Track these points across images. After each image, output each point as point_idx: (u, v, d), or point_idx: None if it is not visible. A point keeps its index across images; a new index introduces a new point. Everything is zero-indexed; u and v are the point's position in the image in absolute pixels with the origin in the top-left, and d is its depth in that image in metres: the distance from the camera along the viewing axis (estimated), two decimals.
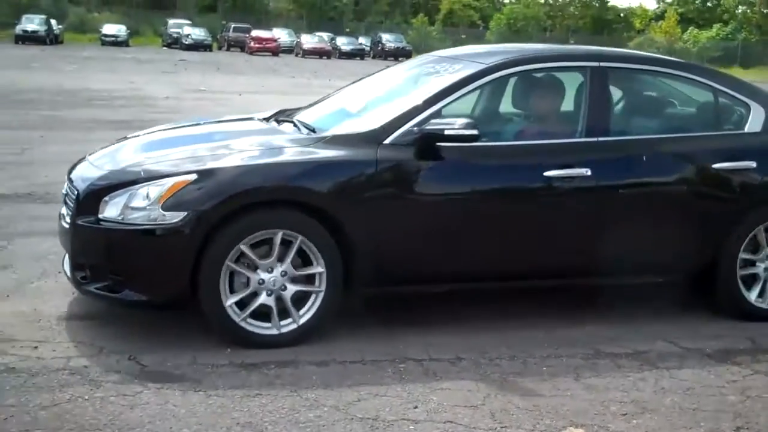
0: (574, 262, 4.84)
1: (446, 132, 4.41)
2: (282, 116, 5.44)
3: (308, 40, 53.06)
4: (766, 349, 4.67)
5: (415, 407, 3.71)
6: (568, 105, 5.13)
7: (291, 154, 4.52)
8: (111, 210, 4.24)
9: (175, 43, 50.70)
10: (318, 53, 50.46)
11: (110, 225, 4.23)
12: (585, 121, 4.86)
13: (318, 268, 4.33)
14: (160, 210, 4.15)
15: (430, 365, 4.20)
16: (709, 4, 75.89)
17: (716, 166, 4.91)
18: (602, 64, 5.01)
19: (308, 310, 4.37)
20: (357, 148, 4.46)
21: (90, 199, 4.34)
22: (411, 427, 3.53)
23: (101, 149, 5.20)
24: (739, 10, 74.13)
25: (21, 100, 15.96)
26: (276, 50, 49.90)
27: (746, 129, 5.13)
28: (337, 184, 4.36)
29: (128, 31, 51.54)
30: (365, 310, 4.84)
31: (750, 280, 5.05)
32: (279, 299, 4.32)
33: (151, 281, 4.28)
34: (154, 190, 4.20)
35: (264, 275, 4.27)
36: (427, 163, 4.50)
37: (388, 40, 56.31)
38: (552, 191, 4.69)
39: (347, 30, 64.20)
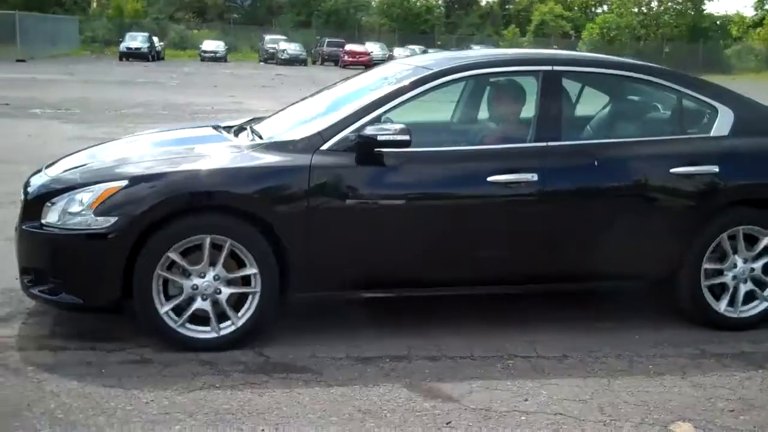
0: (521, 269, 4.74)
1: (379, 138, 4.39)
2: (247, 123, 5.49)
3: (400, 53, 53.53)
4: None
5: (526, 400, 3.88)
6: (518, 110, 5.10)
7: (224, 160, 4.59)
8: (52, 215, 4.33)
9: (271, 58, 51.83)
10: None
11: (50, 230, 4.31)
12: (534, 126, 4.77)
13: (252, 270, 4.33)
14: (93, 215, 4.22)
15: (538, 362, 4.36)
16: None
17: (674, 170, 4.74)
18: (556, 68, 4.91)
19: (246, 311, 4.38)
20: (292, 154, 4.48)
21: (34, 205, 4.46)
22: (522, 417, 3.70)
23: (61, 158, 5.25)
24: None
25: (130, 114, 16.70)
26: (368, 63, 50.37)
27: (712, 133, 4.95)
28: (267, 189, 4.37)
29: (226, 47, 53.00)
30: (467, 308, 5.02)
31: (719, 289, 4.90)
32: (216, 303, 4.36)
33: (86, 285, 4.33)
34: (87, 195, 4.28)
35: (197, 281, 4.31)
36: (363, 169, 4.48)
37: None
38: (496, 197, 4.61)
39: (438, 43, 64.56)
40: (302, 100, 5.77)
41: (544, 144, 4.69)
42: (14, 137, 12.40)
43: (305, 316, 4.83)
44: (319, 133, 4.55)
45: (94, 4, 78.60)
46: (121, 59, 46.04)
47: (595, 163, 4.73)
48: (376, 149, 4.43)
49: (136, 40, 48.73)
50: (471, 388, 3.99)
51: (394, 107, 4.68)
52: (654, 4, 73.00)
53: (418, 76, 4.82)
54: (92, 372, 4.04)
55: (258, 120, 5.59)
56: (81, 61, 41.36)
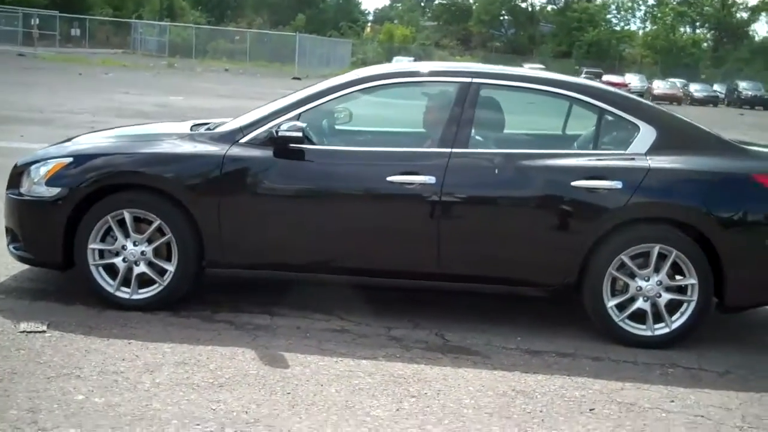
0: (416, 265, 5.01)
1: (279, 133, 4.88)
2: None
3: (659, 86, 52.26)
4: None
5: (672, 401, 4.16)
6: (431, 117, 5.38)
7: (158, 147, 5.18)
8: (25, 185, 5.15)
9: None
10: (669, 99, 49.42)
11: (22, 197, 5.14)
12: (442, 133, 5.03)
13: (167, 238, 4.95)
14: (45, 185, 5.03)
15: (698, 373, 4.60)
16: None
17: (574, 183, 4.81)
18: (474, 80, 5.13)
19: (174, 261, 4.98)
20: (213, 144, 5.06)
21: (13, 177, 5.28)
22: (663, 414, 4.00)
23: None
24: None
25: None
26: None
27: (628, 150, 4.98)
28: (184, 173, 4.98)
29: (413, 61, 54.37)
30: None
31: (629, 308, 4.90)
32: (150, 263, 5.00)
33: (36, 244, 5.15)
34: (44, 168, 5.08)
35: (129, 247, 4.99)
36: (275, 161, 4.96)
37: (745, 87, 53.59)
38: (393, 196, 4.93)
39: (702, 76, 62.11)
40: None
41: (447, 150, 4.96)
42: None
43: (487, 308, 5.37)
44: (240, 127, 5.14)
45: (368, 29, 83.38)
46: None
47: (496, 171, 4.95)
48: (289, 144, 4.93)
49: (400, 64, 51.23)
50: (623, 385, 4.33)
51: (310, 109, 5.16)
52: None
53: (338, 82, 5.35)
54: (298, 334, 4.82)
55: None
56: None
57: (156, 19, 58.48)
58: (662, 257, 4.85)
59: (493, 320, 5.26)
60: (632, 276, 4.88)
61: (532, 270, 4.99)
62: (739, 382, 4.49)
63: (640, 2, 77.57)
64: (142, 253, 5.01)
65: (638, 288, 4.87)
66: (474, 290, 5.22)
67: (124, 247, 5.01)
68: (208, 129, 5.45)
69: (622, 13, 77.95)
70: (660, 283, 4.86)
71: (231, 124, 5.29)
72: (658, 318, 4.91)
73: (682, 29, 74.93)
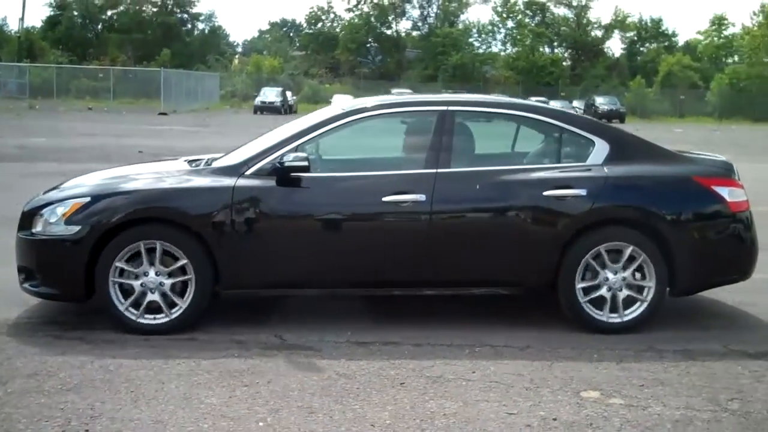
0: (413, 275, 5.64)
1: (286, 163, 5.44)
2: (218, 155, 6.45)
3: None
4: None
5: (473, 372, 4.82)
6: (415, 142, 6.09)
7: (167, 182, 5.65)
8: (38, 226, 5.53)
9: None
10: None
11: (36, 237, 5.52)
12: (427, 155, 5.73)
13: (182, 261, 5.37)
14: (64, 224, 5.43)
15: (502, 350, 5.28)
16: None
17: (546, 193, 5.56)
18: (450, 108, 5.88)
19: (187, 298, 5.44)
20: (221, 177, 5.58)
21: (25, 219, 5.66)
22: (463, 383, 4.66)
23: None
24: None
25: None
26: None
27: (587, 162, 5.78)
28: (197, 205, 5.46)
29: (353, 99, 55.19)
30: (461, 306, 5.99)
31: (597, 298, 5.61)
32: (165, 295, 5.43)
33: (58, 280, 5.52)
34: (61, 209, 5.49)
35: (143, 278, 5.40)
36: (280, 190, 5.49)
37: (602, 102, 56.62)
38: (389, 214, 5.58)
39: (562, 93, 65.06)
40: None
41: (433, 171, 5.64)
42: None
43: (324, 310, 5.98)
44: (243, 161, 5.66)
45: (236, 61, 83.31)
46: (255, 113, 48.78)
47: (477, 187, 5.65)
48: (291, 174, 5.48)
49: (269, 95, 51.60)
50: (434, 363, 4.96)
51: (310, 140, 5.76)
52: None
53: (332, 114, 5.96)
54: (146, 345, 5.26)
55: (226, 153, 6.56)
56: (219, 115, 44.44)
57: (15, 61, 56.99)
58: (618, 252, 5.59)
59: (329, 319, 5.84)
60: (601, 268, 5.59)
61: (516, 271, 5.67)
62: (535, 354, 5.19)
63: (500, 25, 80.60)
64: (161, 283, 5.42)
65: (605, 279, 5.59)
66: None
67: (146, 273, 5.40)
68: (207, 164, 5.95)
69: (483, 36, 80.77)
70: (624, 278, 5.60)
71: (232, 158, 5.84)
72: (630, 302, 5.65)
73: (541, 49, 78.20)
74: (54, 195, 5.80)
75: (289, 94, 54.74)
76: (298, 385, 4.58)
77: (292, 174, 5.49)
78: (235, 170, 5.61)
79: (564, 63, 78.40)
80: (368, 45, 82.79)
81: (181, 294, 5.47)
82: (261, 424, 4.04)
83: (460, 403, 4.35)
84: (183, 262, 5.40)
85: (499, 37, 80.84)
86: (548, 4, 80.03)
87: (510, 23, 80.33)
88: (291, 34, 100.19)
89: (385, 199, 5.53)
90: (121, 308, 5.42)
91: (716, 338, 5.60)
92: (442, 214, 5.59)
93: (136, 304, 5.44)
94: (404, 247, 5.60)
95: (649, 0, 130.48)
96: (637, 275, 5.62)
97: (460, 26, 79.50)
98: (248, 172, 5.57)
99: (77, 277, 5.40)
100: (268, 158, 5.61)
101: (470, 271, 5.67)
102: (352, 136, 6.07)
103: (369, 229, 5.65)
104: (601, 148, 5.80)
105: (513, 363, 5.00)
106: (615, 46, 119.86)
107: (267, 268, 5.56)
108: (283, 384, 4.58)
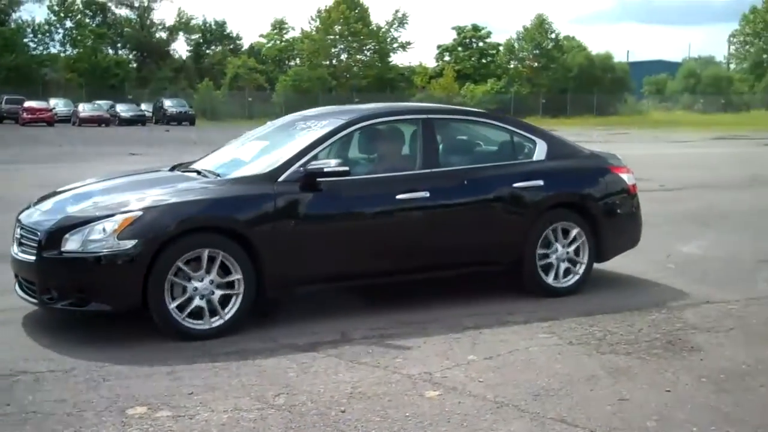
0: (424, 260, 6.46)
1: (325, 170, 5.91)
2: (181, 168, 6.89)
3: (85, 109, 52.36)
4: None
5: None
6: (409, 147, 6.86)
7: (210, 192, 5.86)
8: (72, 244, 5.42)
9: None
10: (96, 121, 50.11)
11: (73, 255, 5.40)
12: (421, 158, 6.56)
13: (237, 276, 5.62)
14: (116, 240, 5.33)
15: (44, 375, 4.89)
16: (483, 60, 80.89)
17: (516, 185, 6.69)
18: (429, 116, 6.83)
19: (231, 308, 5.65)
20: (259, 185, 5.89)
21: (52, 238, 5.49)
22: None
23: (43, 199, 6.42)
24: (511, 66, 79.68)
25: None
26: (51, 120, 49.02)
27: (534, 158, 7.01)
28: (246, 212, 5.75)
29: None
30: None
31: (547, 268, 6.81)
32: (210, 302, 5.58)
33: (113, 294, 5.45)
34: (109, 225, 5.41)
35: (197, 284, 5.53)
36: (310, 194, 5.95)
37: (170, 105, 56.55)
38: (403, 209, 6.31)
39: (129, 97, 63.80)
40: (213, 151, 7.29)
41: (430, 170, 6.49)
42: None
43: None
44: (276, 168, 6.00)
45: None
46: None
47: (465, 182, 6.57)
48: (317, 179, 5.93)
49: None
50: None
51: (324, 148, 6.29)
52: (343, 56, 77.10)
53: (338, 124, 6.46)
54: None
55: (188, 164, 7.04)
56: None
57: None
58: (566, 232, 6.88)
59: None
60: (555, 241, 6.83)
61: (498, 252, 6.70)
62: (81, 376, 4.86)
63: (58, 25, 76.60)
64: (211, 292, 5.59)
65: (555, 250, 6.83)
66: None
67: (201, 278, 5.53)
68: (215, 175, 6.28)
69: (40, 36, 76.09)
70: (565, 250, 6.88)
71: (259, 167, 6.18)
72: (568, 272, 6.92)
73: (105, 51, 75.94)
74: (89, 213, 5.65)
75: None
76: None
77: (318, 179, 5.93)
78: (270, 178, 5.93)
79: (130, 65, 77.00)
80: None
81: (223, 305, 5.65)
82: None
83: None
84: (238, 276, 5.63)
85: (58, 37, 76.81)
86: (109, 4, 78.21)
87: (69, 23, 76.77)
88: None
89: (399, 196, 6.26)
90: (169, 306, 5.47)
91: (268, 335, 5.71)
92: (443, 207, 6.46)
93: (180, 308, 5.54)
94: (416, 237, 6.35)
95: (213, 3, 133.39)
96: (573, 251, 6.90)
97: (13, 25, 74.00)
98: (281, 179, 5.92)
99: (135, 290, 5.40)
100: (294, 166, 6.00)
101: (464, 253, 6.57)
102: (352, 144, 6.78)
103: (388, 223, 6.32)
104: (542, 147, 7.05)
105: (55, 389, 4.62)
106: (181, 49, 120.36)
107: (308, 266, 5.96)
108: None
